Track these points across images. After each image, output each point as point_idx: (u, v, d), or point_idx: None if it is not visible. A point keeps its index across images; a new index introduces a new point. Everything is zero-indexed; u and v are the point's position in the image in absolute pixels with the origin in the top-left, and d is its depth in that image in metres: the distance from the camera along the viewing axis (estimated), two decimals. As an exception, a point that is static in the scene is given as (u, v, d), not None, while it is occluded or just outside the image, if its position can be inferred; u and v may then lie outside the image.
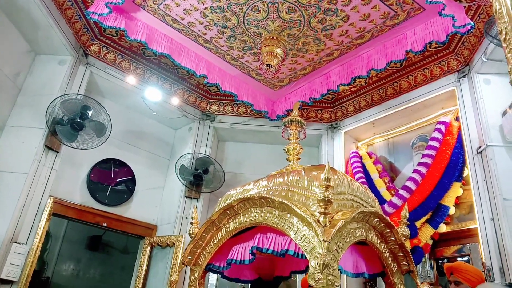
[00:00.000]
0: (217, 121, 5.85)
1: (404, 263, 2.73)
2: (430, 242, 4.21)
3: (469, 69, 4.33)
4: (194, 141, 5.62)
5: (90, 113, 4.42)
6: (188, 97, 5.68)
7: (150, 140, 5.70)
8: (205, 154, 5.47)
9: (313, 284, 2.17)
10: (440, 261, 4.31)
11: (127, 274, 5.41)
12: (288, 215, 2.51)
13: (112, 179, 5.16)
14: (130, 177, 5.31)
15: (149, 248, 4.99)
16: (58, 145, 4.44)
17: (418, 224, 4.07)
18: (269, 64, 4.45)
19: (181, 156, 5.34)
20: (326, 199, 2.34)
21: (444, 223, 4.19)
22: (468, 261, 4.06)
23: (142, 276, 4.85)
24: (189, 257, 3.00)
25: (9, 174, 4.08)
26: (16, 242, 3.93)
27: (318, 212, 2.37)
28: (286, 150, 3.28)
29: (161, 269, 4.83)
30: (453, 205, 4.21)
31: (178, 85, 5.58)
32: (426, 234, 4.12)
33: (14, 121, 4.32)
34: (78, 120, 4.31)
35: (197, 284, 2.95)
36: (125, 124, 5.44)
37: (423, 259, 4.28)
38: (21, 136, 4.29)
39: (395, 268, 2.69)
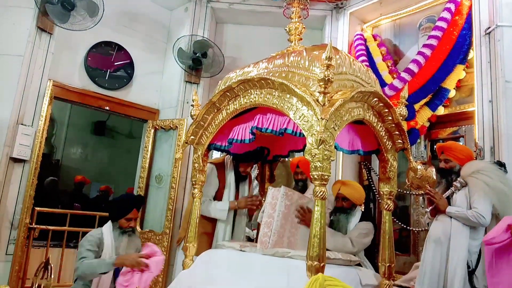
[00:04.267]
0: (214, 0, 5.54)
1: (399, 141, 2.84)
2: (427, 124, 4.32)
3: None
4: (191, 22, 5.40)
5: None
6: (182, -29, 5.31)
7: (145, 22, 5.49)
8: (203, 37, 5.31)
9: (310, 159, 2.30)
10: (436, 143, 4.48)
11: (134, 157, 5.67)
12: (288, 96, 2.55)
13: (111, 64, 5.10)
14: (128, 61, 5.24)
15: (152, 131, 5.15)
16: (51, 27, 4.30)
17: (416, 106, 4.13)
18: None
19: (178, 39, 5.19)
20: (327, 78, 2.35)
21: (443, 105, 4.25)
22: (462, 142, 4.22)
23: (148, 157, 5.09)
24: (192, 137, 3.13)
25: (4, 57, 4.05)
26: (22, 124, 4.06)
27: (318, 92, 2.40)
28: (287, 30, 3.18)
29: (166, 150, 5.05)
30: (454, 88, 4.22)
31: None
32: (423, 117, 4.21)
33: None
34: (68, -1, 4.11)
35: (201, 161, 3.12)
36: (118, 4, 5.19)
37: (418, 141, 4.44)
38: (11, 16, 4.15)
39: (390, 146, 2.81)
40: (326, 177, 2.26)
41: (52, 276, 1.91)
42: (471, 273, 3.02)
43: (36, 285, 1.99)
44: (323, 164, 2.25)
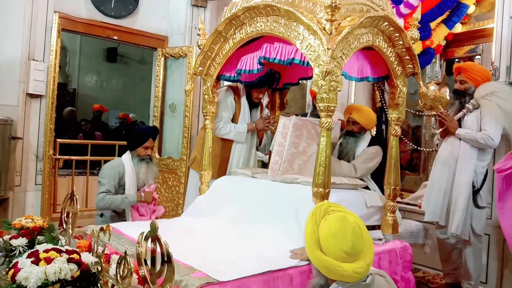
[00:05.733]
0: None
1: (410, 66, 2.80)
2: (443, 43, 4.16)
3: None
4: None
5: None
6: None
7: None
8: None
9: (316, 90, 2.32)
10: (451, 62, 4.35)
11: (147, 84, 5.71)
12: (295, 24, 2.49)
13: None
14: (132, -17, 5.05)
15: (162, 59, 5.12)
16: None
17: (432, 25, 3.95)
18: None
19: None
20: (334, 4, 2.27)
21: (461, 23, 4.05)
22: (478, 61, 4.09)
23: (161, 86, 5.13)
24: (200, 68, 3.13)
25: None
26: (34, 60, 4.10)
27: (325, 20, 2.34)
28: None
29: (177, 78, 5.06)
30: (473, 3, 3.99)
31: None
32: (439, 35, 4.04)
33: None
34: None
35: (210, 92, 3.16)
36: None
37: (433, 60, 4.32)
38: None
39: (400, 71, 2.78)
40: (332, 108, 2.29)
41: (78, 206, 2.07)
42: (475, 192, 3.13)
43: (66, 212, 2.18)
44: (329, 95, 2.26)
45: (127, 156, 3.32)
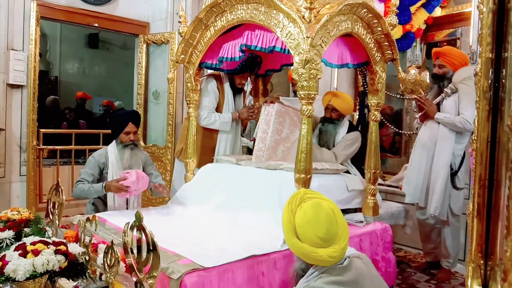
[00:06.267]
0: None
1: (388, 52, 2.85)
2: (423, 27, 4.22)
3: None
4: None
5: None
6: None
7: None
8: None
9: (297, 78, 2.36)
10: (431, 46, 4.42)
11: (131, 70, 5.65)
12: (274, 12, 2.51)
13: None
14: (112, -30, 4.97)
15: (144, 46, 5.08)
16: None
17: (412, 9, 3.99)
18: None
19: None
20: (312, -8, 2.30)
21: (440, 6, 4.11)
22: (456, 45, 4.16)
23: (143, 73, 5.10)
24: (182, 56, 3.14)
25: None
26: (13, 49, 4.04)
27: (304, 8, 2.36)
28: None
29: (160, 65, 5.03)
30: (452, -13, 4.05)
31: None
32: (419, 19, 4.09)
33: None
34: None
35: (193, 80, 3.18)
36: None
37: (414, 44, 4.38)
38: None
39: (379, 57, 2.83)
40: (312, 95, 2.34)
41: (64, 196, 2.11)
42: (453, 174, 3.24)
43: (52, 203, 2.21)
44: (309, 83, 2.31)
45: (112, 144, 3.24)
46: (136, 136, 3.22)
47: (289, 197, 1.66)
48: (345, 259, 1.56)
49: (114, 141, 3.22)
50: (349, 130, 3.12)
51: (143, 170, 3.22)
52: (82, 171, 3.13)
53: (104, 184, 2.98)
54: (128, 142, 3.17)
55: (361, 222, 2.77)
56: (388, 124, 4.54)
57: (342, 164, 2.98)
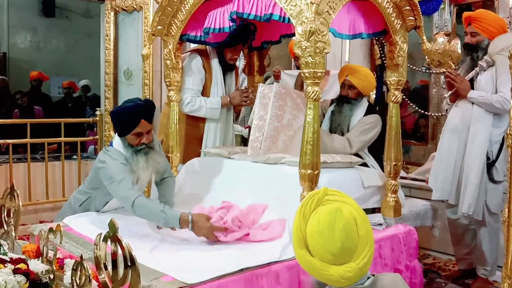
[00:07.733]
0: None
1: (411, 18, 2.86)
2: (453, -16, 4.23)
3: None
4: None
5: None
6: None
7: None
8: None
9: (300, 53, 2.37)
10: (463, 8, 4.42)
11: (96, 42, 5.62)
12: (271, -29, 2.52)
13: None
14: None
15: (112, 14, 5.05)
16: None
17: (440, -37, 4.00)
18: None
19: None
20: None
21: (474, -41, 4.12)
22: (493, 8, 4.17)
23: (112, 48, 5.08)
24: (159, 27, 3.15)
25: None
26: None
27: (307, -35, 2.37)
28: None
29: (132, 38, 5.01)
30: None
31: None
32: (448, -25, 4.11)
33: None
34: None
35: (173, 57, 3.19)
36: None
37: (442, 6, 4.38)
38: None
39: (399, 25, 2.84)
40: (319, 74, 2.36)
41: (21, 203, 2.13)
42: (490, 164, 3.27)
43: (6, 210, 2.24)
44: (315, 59, 2.32)
45: (117, 143, 2.71)
46: (151, 136, 2.69)
47: (305, 197, 1.58)
48: (368, 277, 1.53)
49: (120, 141, 2.70)
50: (367, 113, 3.14)
51: (161, 179, 2.94)
52: (118, 179, 2.56)
53: (188, 218, 2.39)
54: (139, 145, 2.66)
55: (380, 224, 2.81)
56: (409, 103, 4.56)
57: (357, 155, 3.01)
